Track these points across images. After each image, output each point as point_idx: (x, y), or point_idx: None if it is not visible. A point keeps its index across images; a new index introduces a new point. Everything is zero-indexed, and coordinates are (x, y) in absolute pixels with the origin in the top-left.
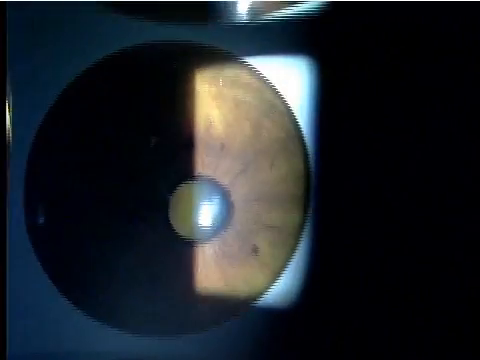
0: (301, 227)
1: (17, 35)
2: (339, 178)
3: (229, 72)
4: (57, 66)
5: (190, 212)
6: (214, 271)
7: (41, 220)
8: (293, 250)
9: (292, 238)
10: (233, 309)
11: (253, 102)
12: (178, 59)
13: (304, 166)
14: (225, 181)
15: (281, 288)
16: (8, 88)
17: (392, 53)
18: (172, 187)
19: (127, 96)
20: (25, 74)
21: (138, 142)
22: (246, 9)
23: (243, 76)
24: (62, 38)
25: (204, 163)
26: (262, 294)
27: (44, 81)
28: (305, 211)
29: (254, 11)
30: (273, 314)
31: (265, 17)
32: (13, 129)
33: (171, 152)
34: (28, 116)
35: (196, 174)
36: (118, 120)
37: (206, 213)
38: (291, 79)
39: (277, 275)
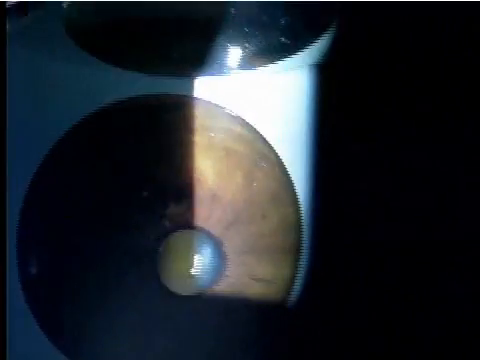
0: (292, 281)
1: (11, 87)
2: (331, 229)
3: (220, 124)
4: (50, 118)
5: (182, 264)
6: (206, 324)
7: (33, 271)
8: (284, 303)
9: (283, 292)
10: None
11: (244, 152)
12: (170, 111)
13: (296, 217)
14: (217, 232)
15: None
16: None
17: (383, 103)
18: (163, 238)
19: (119, 148)
20: (19, 125)
21: (130, 193)
22: (237, 62)
23: (234, 128)
24: (55, 90)
25: (195, 214)
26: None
27: (36, 134)
28: (296, 265)
29: (245, 63)
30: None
31: (256, 69)
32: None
33: (163, 203)
34: (22, 167)
35: (187, 225)
36: (110, 171)
37: (197, 265)
38: (282, 130)
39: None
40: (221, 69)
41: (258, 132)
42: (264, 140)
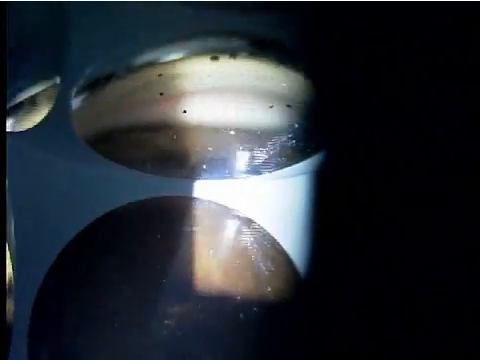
0: None
1: (17, 190)
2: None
3: (228, 224)
4: (58, 221)
5: None
6: None
7: None
8: None
9: None
10: None
11: (252, 253)
12: (180, 213)
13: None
14: None
15: None
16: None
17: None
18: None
19: (128, 251)
20: (27, 230)
21: (137, 297)
22: (243, 165)
23: (242, 229)
24: (62, 193)
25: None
26: None
27: (45, 237)
28: None
29: (250, 165)
30: None
31: (262, 170)
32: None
33: (170, 305)
34: (30, 271)
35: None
36: (119, 276)
37: None
38: (290, 230)
39: None
40: (231, 173)
41: (265, 231)
42: (274, 241)
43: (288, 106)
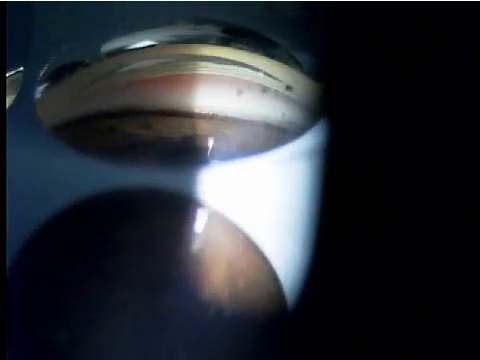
0: None
1: None
2: None
3: (198, 215)
4: (22, 212)
5: None
6: None
7: None
8: None
9: None
10: None
11: (222, 243)
12: (145, 204)
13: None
14: None
15: None
16: None
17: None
18: None
19: (94, 242)
20: None
21: (102, 289)
22: (214, 154)
23: (213, 220)
24: (26, 183)
25: None
26: None
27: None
28: None
29: (221, 154)
30: None
31: (234, 159)
32: None
33: (137, 298)
34: None
35: None
36: (83, 269)
37: None
38: (261, 221)
39: None
40: (200, 162)
41: (238, 224)
42: (245, 233)
43: (288, 88)
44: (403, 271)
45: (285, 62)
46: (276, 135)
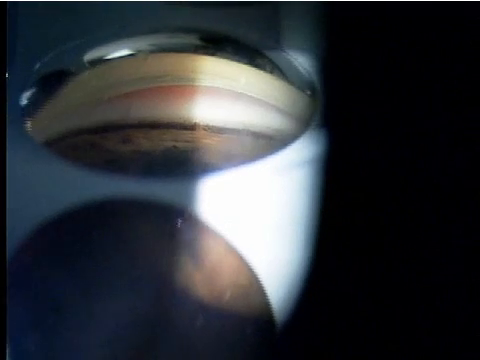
0: None
1: None
2: None
3: (182, 225)
4: (9, 222)
5: None
6: None
7: None
8: None
9: None
10: None
11: (207, 252)
12: (129, 214)
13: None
14: None
15: None
16: None
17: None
18: None
19: (78, 251)
20: None
21: (86, 296)
22: (199, 164)
23: (197, 229)
24: (11, 193)
25: None
26: None
27: None
28: None
29: (206, 164)
30: None
31: (220, 169)
32: None
33: (119, 304)
34: None
35: None
36: (68, 277)
37: None
38: (245, 230)
39: None
40: (184, 172)
41: (222, 234)
42: (228, 242)
43: (271, 96)
44: (399, 280)
45: (268, 71)
46: (263, 144)
